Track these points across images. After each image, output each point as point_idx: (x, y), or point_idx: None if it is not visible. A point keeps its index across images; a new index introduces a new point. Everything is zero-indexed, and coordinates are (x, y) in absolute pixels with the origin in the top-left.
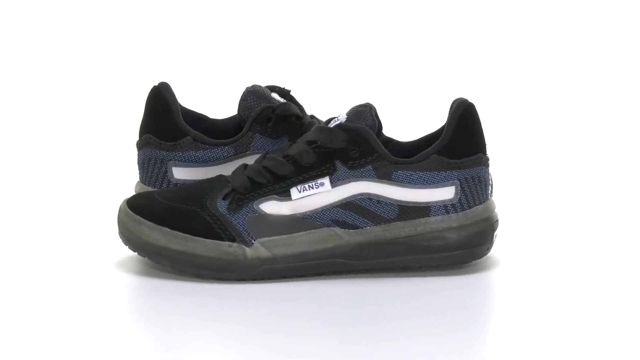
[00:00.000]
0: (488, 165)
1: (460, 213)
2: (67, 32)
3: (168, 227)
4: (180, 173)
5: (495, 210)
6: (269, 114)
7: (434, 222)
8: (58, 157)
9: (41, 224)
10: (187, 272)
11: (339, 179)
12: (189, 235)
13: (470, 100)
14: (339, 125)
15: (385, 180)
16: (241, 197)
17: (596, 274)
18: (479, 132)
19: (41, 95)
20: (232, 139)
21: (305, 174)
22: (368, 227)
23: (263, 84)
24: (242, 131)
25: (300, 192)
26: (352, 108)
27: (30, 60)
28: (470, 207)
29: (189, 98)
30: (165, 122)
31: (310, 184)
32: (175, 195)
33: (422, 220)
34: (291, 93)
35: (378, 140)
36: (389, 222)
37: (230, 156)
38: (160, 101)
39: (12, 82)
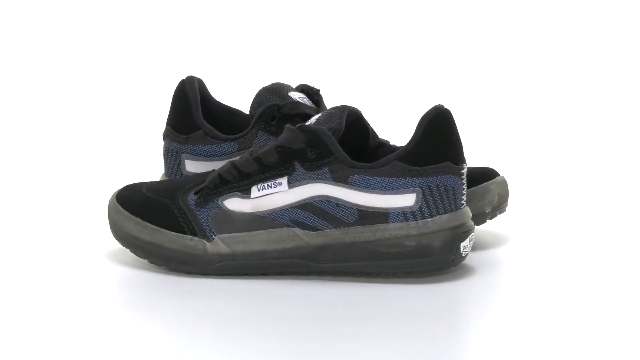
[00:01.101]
0: (460, 175)
1: (420, 221)
2: (121, 25)
3: (140, 217)
4: (191, 166)
5: (468, 222)
6: (274, 112)
7: (392, 229)
8: (98, 145)
9: (73, 215)
10: (156, 264)
11: (296, 179)
12: (157, 227)
13: (447, 107)
14: (300, 127)
15: (342, 184)
16: (209, 192)
17: (585, 279)
18: (450, 141)
19: (89, 87)
20: (238, 135)
21: (267, 172)
22: (328, 230)
23: (299, 82)
24: (248, 128)
25: (259, 190)
26: (328, 109)
27: (74, 51)
28: (432, 216)
29: (233, 94)
30: (182, 115)
31: (269, 183)
32: (157, 187)
33: (381, 226)
34: (321, 93)
35: (336, 142)
36: (349, 225)
37: (233, 152)
38: (181, 94)
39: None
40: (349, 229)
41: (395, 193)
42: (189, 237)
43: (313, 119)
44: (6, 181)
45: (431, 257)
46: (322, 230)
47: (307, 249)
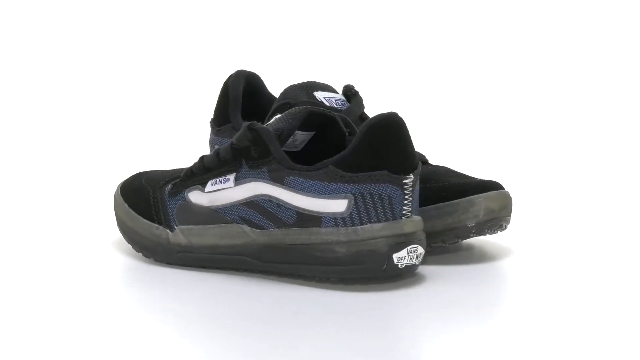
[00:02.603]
0: (400, 185)
1: (350, 228)
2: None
3: (127, 204)
4: None
5: (407, 233)
6: (284, 110)
7: (324, 233)
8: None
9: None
10: (135, 249)
11: (242, 177)
12: (135, 214)
13: (398, 116)
14: (248, 125)
15: (279, 184)
16: (180, 183)
17: (585, 291)
18: (390, 149)
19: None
20: None
21: (222, 168)
22: (272, 229)
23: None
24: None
25: (212, 185)
26: (290, 110)
27: (114, 44)
28: (362, 224)
29: None
30: (220, 108)
31: (220, 179)
32: (152, 176)
33: (315, 229)
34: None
35: (276, 143)
36: (289, 227)
37: None
38: (224, 88)
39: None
40: (289, 230)
41: (328, 198)
42: (156, 225)
43: (273, 118)
44: (24, 167)
45: (360, 265)
46: (266, 229)
47: (253, 247)
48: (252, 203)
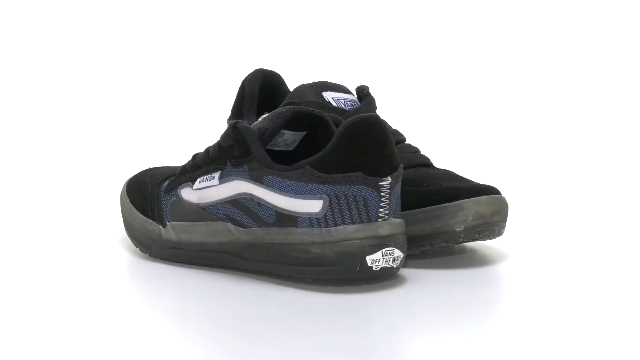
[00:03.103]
0: (376, 187)
1: (324, 229)
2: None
3: (130, 199)
4: None
5: (383, 236)
6: None
7: (300, 234)
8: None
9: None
10: (134, 244)
11: (226, 175)
12: (134, 209)
13: (376, 118)
14: (233, 124)
15: (259, 183)
16: (175, 180)
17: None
18: (366, 151)
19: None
20: None
21: (210, 166)
22: (254, 228)
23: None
24: None
25: (200, 182)
26: (276, 109)
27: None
28: (337, 225)
29: None
30: (236, 105)
31: (207, 177)
32: (155, 173)
33: (292, 229)
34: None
35: (257, 142)
36: (269, 226)
37: None
38: (241, 86)
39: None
40: (269, 229)
41: (304, 198)
42: (150, 221)
43: (261, 117)
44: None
45: (334, 267)
46: (249, 227)
47: (237, 245)
48: (236, 201)
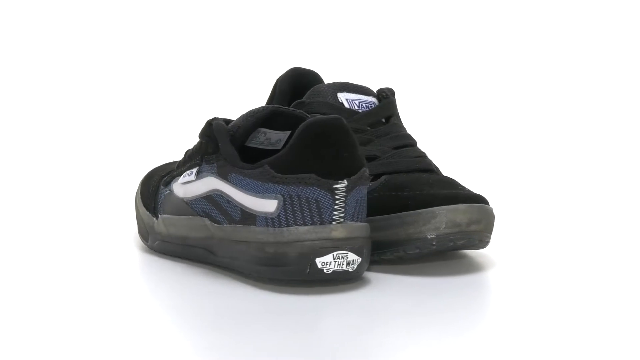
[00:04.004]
0: (330, 189)
1: (277, 229)
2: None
3: (140, 191)
4: None
5: (334, 239)
6: (299, 108)
7: (258, 232)
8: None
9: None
10: (139, 236)
11: (201, 171)
12: (140, 201)
13: (335, 120)
14: (209, 120)
15: (225, 180)
16: (172, 174)
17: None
18: (320, 153)
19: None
20: None
21: (191, 162)
22: (225, 225)
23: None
24: None
25: (183, 177)
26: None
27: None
28: (289, 225)
29: None
30: (267, 103)
31: (188, 172)
32: (167, 166)
33: (252, 228)
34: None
35: (226, 139)
36: (236, 223)
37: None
38: (275, 84)
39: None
40: (235, 226)
41: (261, 197)
42: (148, 213)
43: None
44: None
45: (285, 267)
46: (221, 224)
47: (212, 241)
48: (210, 197)
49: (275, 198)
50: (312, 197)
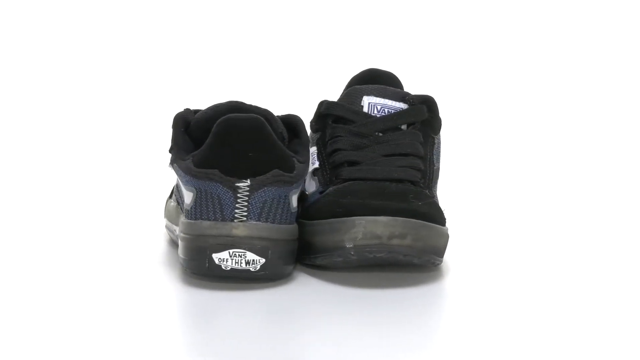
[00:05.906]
0: (231, 187)
1: (189, 222)
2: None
3: None
4: None
5: (231, 236)
6: (320, 106)
7: (181, 224)
8: None
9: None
10: None
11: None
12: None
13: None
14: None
15: (174, 170)
16: None
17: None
18: (223, 150)
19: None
20: None
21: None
22: (182, 215)
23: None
24: None
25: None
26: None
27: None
28: (197, 219)
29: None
30: None
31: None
32: None
33: (181, 218)
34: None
35: (180, 130)
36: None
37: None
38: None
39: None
40: (183, 217)
41: (185, 189)
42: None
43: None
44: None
45: (191, 261)
46: (182, 213)
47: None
48: (177, 185)
49: (191, 191)
50: (215, 193)
